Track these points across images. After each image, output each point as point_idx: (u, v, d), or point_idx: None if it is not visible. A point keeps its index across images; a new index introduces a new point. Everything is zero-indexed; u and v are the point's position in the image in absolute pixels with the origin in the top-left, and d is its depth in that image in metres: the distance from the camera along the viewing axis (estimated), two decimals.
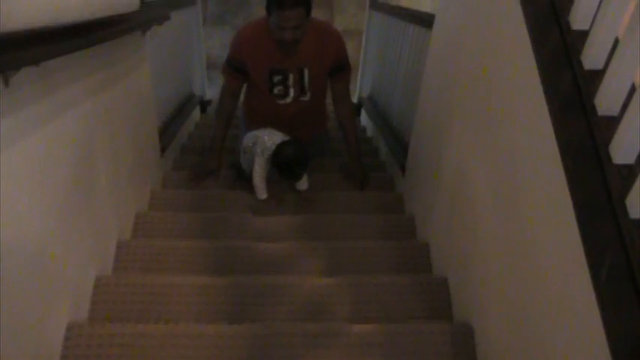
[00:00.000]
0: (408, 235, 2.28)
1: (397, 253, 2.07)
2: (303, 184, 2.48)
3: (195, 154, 3.13)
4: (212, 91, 4.46)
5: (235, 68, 2.45)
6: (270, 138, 2.38)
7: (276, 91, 2.48)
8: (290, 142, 2.37)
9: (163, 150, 2.65)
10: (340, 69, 2.51)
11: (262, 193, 2.41)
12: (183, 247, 2.02)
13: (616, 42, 1.10)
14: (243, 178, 2.56)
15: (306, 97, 2.52)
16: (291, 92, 2.48)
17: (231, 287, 1.78)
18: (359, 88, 4.34)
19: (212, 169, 2.61)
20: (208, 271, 1.95)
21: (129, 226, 2.14)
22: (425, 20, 2.40)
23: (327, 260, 2.02)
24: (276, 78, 2.43)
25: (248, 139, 2.48)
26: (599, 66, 1.11)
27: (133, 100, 2.14)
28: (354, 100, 4.25)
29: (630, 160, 0.99)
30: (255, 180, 2.40)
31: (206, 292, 1.76)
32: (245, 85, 2.60)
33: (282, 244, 2.08)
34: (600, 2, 1.11)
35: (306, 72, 2.43)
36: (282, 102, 2.51)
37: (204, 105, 4.20)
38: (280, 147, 2.33)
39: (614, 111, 1.05)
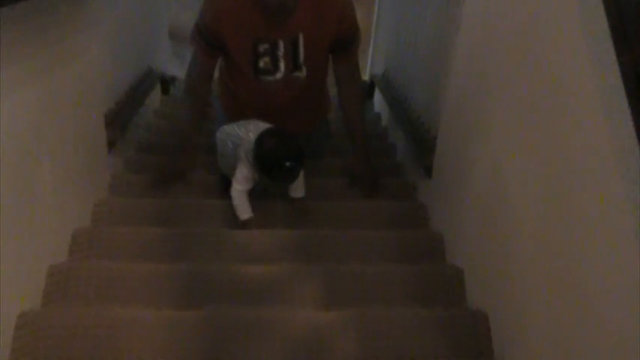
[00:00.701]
0: (434, 257, 2.30)
1: (420, 279, 2.09)
2: (298, 189, 2.49)
3: (155, 150, 3.14)
4: (176, 66, 4.48)
5: (207, 38, 2.49)
6: (257, 135, 2.32)
7: (261, 64, 2.50)
8: (273, 130, 2.33)
9: (112, 145, 2.66)
10: (347, 42, 2.54)
11: (244, 212, 2.38)
12: (139, 271, 2.04)
13: None
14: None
15: (302, 74, 2.55)
16: (282, 65, 2.51)
17: (204, 323, 1.81)
18: (371, 62, 4.35)
19: (182, 171, 2.64)
20: (174, 303, 1.96)
21: (63, 247, 2.16)
22: None
23: (327, 288, 2.05)
24: (262, 47, 2.46)
25: (226, 137, 2.46)
26: None
27: (78, 79, 2.18)
28: (365, 77, 4.28)
29: None
30: (234, 194, 2.36)
31: (171, 330, 1.78)
32: (220, 60, 2.63)
33: (270, 267, 2.11)
34: None
35: (300, 39, 2.46)
36: (270, 79, 2.53)
37: (166, 84, 4.22)
38: (261, 137, 2.27)
39: None
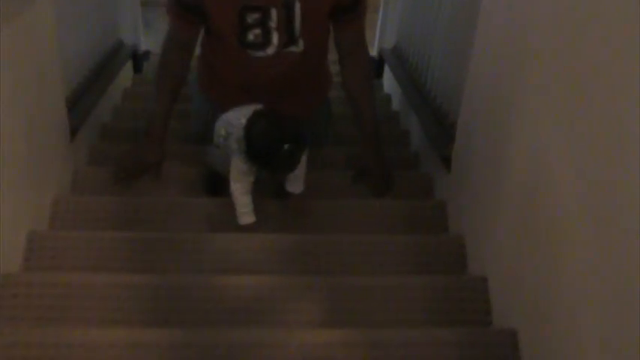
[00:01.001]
0: (455, 265, 2.29)
1: (437, 293, 2.09)
2: (296, 182, 2.45)
3: (125, 138, 3.13)
4: (151, 39, 4.46)
5: (187, 7, 2.45)
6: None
7: (250, 37, 2.47)
8: (265, 109, 2.30)
9: (74, 133, 2.66)
10: (350, 7, 2.51)
11: (247, 216, 2.34)
12: (103, 284, 2.03)
13: None
14: (219, 191, 2.48)
15: (298, 48, 2.52)
16: (275, 38, 2.48)
17: (177, 347, 1.78)
18: (379, 35, 4.35)
19: (150, 163, 2.61)
20: (143, 322, 1.95)
21: (18, 253, 2.14)
22: None
23: (329, 305, 2.03)
24: (252, 17, 2.43)
25: (221, 124, 2.44)
26: None
27: (27, 53, 2.15)
28: (373, 53, 4.27)
29: None
30: (235, 194, 2.32)
31: (138, 355, 1.76)
32: (202, 33, 2.60)
33: (260, 278, 2.10)
34: None
35: (297, 6, 2.43)
36: (260, 54, 2.51)
37: (138, 60, 4.24)
38: (251, 119, 2.23)
39: None
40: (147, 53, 4.36)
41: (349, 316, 2.01)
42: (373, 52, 4.27)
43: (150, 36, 4.52)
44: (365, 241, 2.33)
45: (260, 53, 2.51)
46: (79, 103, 2.81)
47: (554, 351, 1.63)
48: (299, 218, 2.47)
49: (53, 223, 2.40)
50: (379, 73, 4.33)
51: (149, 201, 2.53)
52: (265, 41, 2.48)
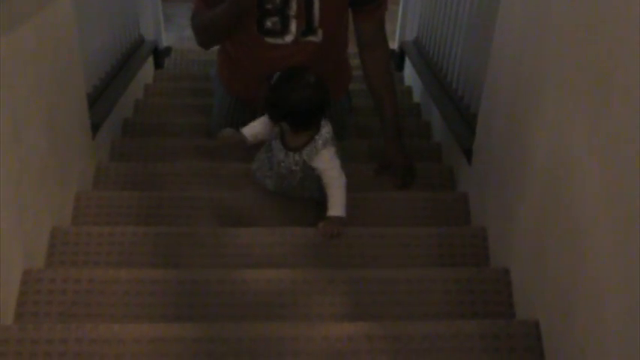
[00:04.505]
0: (477, 257, 2.29)
1: (460, 285, 2.08)
2: (331, 199, 2.35)
3: (147, 134, 3.15)
4: (172, 35, 4.46)
5: None
6: None
7: (269, 24, 2.49)
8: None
9: (96, 129, 2.67)
10: None
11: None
12: (126, 280, 2.03)
13: None
14: None
15: (317, 38, 2.53)
16: (293, 26, 2.50)
17: (200, 342, 1.78)
18: (400, 27, 4.34)
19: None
20: (167, 317, 1.96)
21: (41, 249, 2.16)
22: None
23: (351, 297, 2.03)
24: (270, 3, 2.45)
25: None
26: None
27: (48, 49, 2.16)
28: (394, 45, 4.26)
29: None
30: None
31: (162, 350, 1.76)
32: None
33: (283, 272, 2.10)
34: None
35: None
36: (278, 42, 2.52)
37: (159, 56, 4.25)
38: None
39: None
40: (168, 49, 4.36)
41: (372, 309, 2.01)
42: (394, 44, 4.26)
43: (171, 32, 4.53)
44: (387, 234, 2.33)
45: (278, 41, 2.52)
46: (101, 99, 2.84)
47: (577, 342, 1.62)
48: (320, 211, 2.43)
49: (76, 219, 2.42)
50: (400, 66, 4.32)
51: (171, 196, 2.54)
52: (283, 29, 2.49)
